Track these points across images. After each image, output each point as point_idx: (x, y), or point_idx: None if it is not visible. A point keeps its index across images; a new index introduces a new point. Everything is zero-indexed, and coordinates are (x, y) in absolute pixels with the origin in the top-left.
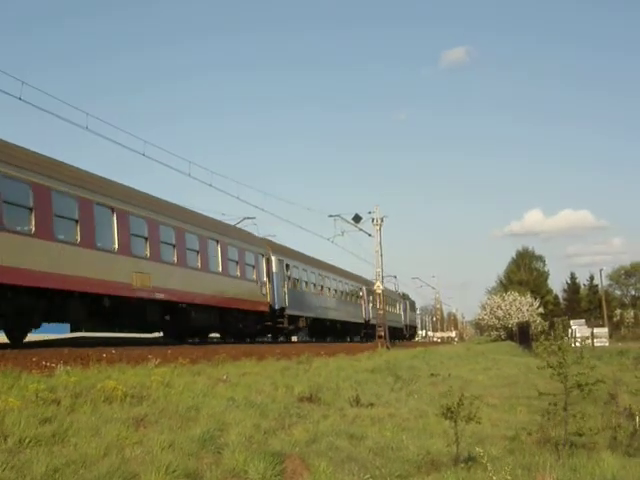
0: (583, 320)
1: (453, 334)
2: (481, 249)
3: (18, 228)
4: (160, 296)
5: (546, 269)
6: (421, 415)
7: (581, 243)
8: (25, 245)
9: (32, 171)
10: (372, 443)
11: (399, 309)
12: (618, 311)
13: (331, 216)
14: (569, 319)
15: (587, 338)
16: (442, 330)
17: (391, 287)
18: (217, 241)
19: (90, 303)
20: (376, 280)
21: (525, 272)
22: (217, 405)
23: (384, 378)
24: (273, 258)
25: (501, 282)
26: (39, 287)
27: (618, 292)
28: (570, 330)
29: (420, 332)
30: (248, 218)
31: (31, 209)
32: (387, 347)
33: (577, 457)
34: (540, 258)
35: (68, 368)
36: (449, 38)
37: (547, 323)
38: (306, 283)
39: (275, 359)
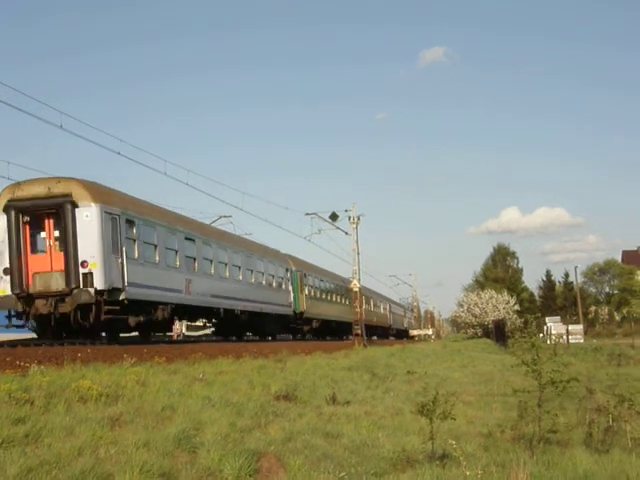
0: (558, 317)
1: (430, 331)
2: (458, 247)
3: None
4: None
5: (520, 266)
6: (397, 413)
7: (557, 241)
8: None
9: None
10: (348, 441)
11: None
12: (593, 308)
13: (308, 214)
14: (544, 316)
15: (562, 335)
16: (419, 328)
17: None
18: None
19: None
20: (353, 278)
21: (501, 269)
22: (193, 404)
23: (361, 376)
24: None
25: (477, 280)
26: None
27: (593, 289)
28: (545, 327)
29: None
30: (225, 217)
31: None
32: (364, 345)
33: (551, 453)
34: (513, 255)
35: (42, 368)
36: (427, 38)
37: (521, 320)
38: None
39: (252, 358)
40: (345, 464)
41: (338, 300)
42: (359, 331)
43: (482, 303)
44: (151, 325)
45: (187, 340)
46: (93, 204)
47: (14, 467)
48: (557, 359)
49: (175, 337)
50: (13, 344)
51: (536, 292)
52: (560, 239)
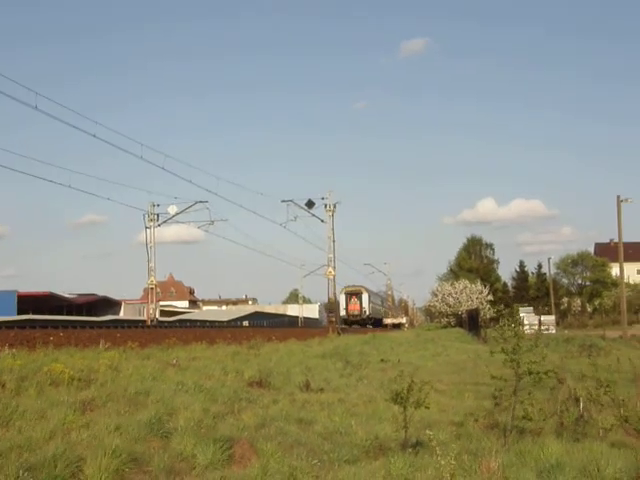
0: (531, 308)
1: (403, 320)
2: (434, 237)
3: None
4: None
5: (495, 257)
6: (370, 400)
7: (532, 232)
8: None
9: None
10: (321, 428)
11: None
12: (565, 299)
13: (284, 201)
14: (517, 306)
15: (542, 327)
16: (393, 317)
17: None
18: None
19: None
20: (328, 266)
21: (475, 260)
22: (166, 389)
23: (334, 363)
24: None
25: (452, 269)
26: None
27: (565, 281)
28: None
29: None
30: (201, 202)
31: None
32: (338, 333)
33: (523, 442)
34: (490, 246)
35: (14, 351)
36: (408, 29)
37: (495, 311)
38: (374, 302)
39: (226, 344)
40: (318, 451)
41: (380, 304)
42: (333, 319)
43: (456, 293)
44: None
45: (161, 325)
46: (364, 292)
47: None
48: (537, 350)
49: (149, 322)
50: None
51: (509, 283)
52: (535, 230)
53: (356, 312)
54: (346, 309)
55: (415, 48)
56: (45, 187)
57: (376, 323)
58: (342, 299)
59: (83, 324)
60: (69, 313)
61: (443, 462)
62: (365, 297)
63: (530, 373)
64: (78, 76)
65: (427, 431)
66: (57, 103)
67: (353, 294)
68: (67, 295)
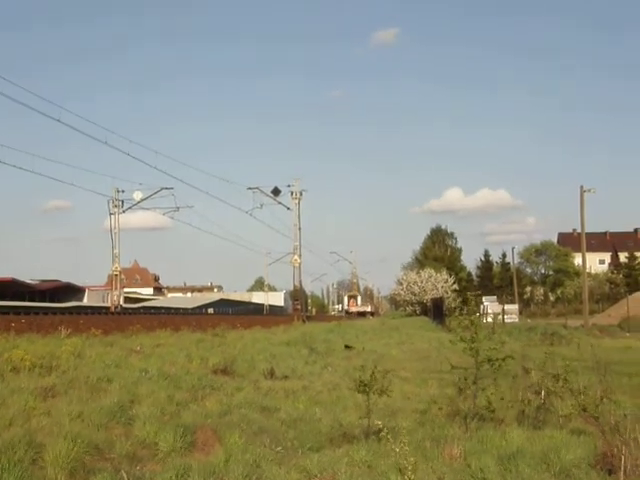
0: (495, 297)
1: (369, 308)
2: (400, 225)
3: None
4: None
5: (458, 246)
6: (334, 388)
7: (497, 222)
8: None
9: None
10: (285, 415)
11: None
12: (529, 288)
13: (250, 189)
14: (482, 295)
15: (498, 314)
16: (357, 305)
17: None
18: None
19: None
20: (294, 254)
21: (440, 249)
22: (129, 376)
23: (299, 351)
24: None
25: (417, 258)
26: None
27: (529, 270)
28: (482, 306)
29: (336, 306)
30: (166, 189)
31: None
32: (303, 321)
33: (485, 430)
34: (451, 235)
35: None
36: (379, 19)
37: (459, 299)
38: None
39: (190, 331)
40: (282, 438)
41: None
42: (299, 307)
43: (421, 282)
44: None
45: (125, 312)
46: (358, 295)
47: None
48: (494, 337)
49: (112, 309)
50: None
51: (474, 272)
52: (500, 220)
53: (353, 308)
54: (348, 305)
55: (386, 38)
56: (8, 171)
57: (363, 314)
58: (345, 300)
59: (45, 310)
60: (32, 299)
61: (398, 450)
62: (359, 298)
63: (489, 360)
64: (45, 62)
65: (376, 421)
66: (22, 87)
67: (352, 297)
68: (30, 281)
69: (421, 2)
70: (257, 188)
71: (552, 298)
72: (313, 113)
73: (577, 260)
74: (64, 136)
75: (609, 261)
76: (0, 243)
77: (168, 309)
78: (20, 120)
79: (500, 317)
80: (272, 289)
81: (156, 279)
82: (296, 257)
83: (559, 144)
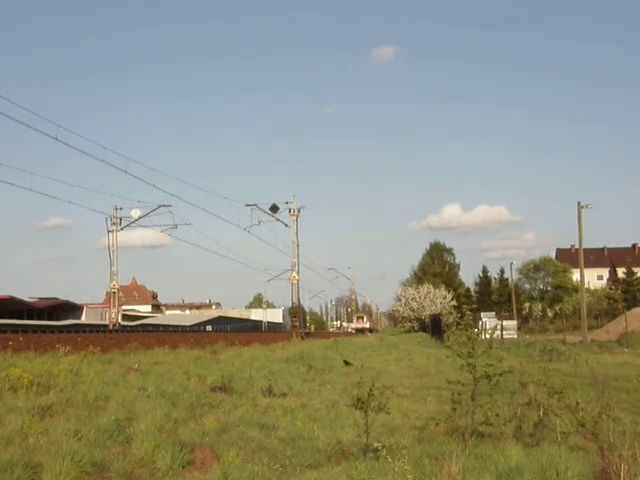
0: (493, 313)
1: (367, 325)
2: (399, 242)
3: None
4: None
5: (457, 262)
6: (333, 405)
7: (496, 238)
8: None
9: None
10: (283, 433)
11: None
12: (527, 304)
13: (248, 205)
14: (480, 311)
15: (496, 329)
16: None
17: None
18: None
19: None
20: (292, 271)
21: (439, 265)
22: (127, 394)
23: (297, 368)
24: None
25: (415, 274)
26: None
27: (527, 286)
28: (481, 322)
29: (335, 322)
30: (164, 206)
31: None
32: (302, 337)
33: (483, 446)
34: (450, 251)
35: None
36: (378, 36)
37: (457, 315)
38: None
39: (188, 348)
40: (280, 456)
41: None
42: (297, 324)
43: (420, 297)
44: None
45: (123, 330)
46: (365, 316)
47: None
48: (492, 353)
49: (111, 327)
50: None
51: (472, 288)
52: (499, 236)
53: (360, 326)
54: (356, 323)
55: (385, 54)
56: (6, 189)
57: (362, 330)
58: (354, 319)
59: (43, 328)
60: (30, 317)
61: (397, 469)
62: (365, 318)
63: (487, 376)
64: (43, 79)
65: (375, 443)
66: (18, 105)
67: (359, 317)
68: (28, 299)
69: (420, 20)
70: (255, 205)
71: (550, 314)
72: (311, 130)
73: (575, 276)
74: (62, 154)
75: (607, 277)
76: None
77: (166, 327)
78: (18, 138)
79: (497, 333)
80: (270, 306)
81: (154, 296)
82: (294, 274)
83: (557, 160)
